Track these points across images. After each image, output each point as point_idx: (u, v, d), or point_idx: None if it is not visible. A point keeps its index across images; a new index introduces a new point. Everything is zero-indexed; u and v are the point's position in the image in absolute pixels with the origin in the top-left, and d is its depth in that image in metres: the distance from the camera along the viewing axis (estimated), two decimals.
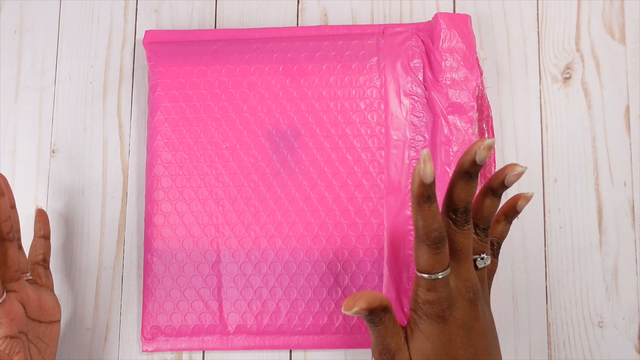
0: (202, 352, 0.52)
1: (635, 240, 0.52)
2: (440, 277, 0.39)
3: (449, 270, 0.39)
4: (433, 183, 0.37)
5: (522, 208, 0.42)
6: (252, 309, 0.51)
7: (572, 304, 0.51)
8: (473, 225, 0.41)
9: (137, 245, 0.54)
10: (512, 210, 0.43)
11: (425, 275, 0.39)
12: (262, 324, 0.51)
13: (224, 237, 0.51)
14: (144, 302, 0.52)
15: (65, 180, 0.55)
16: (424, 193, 0.37)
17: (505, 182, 0.39)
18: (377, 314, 0.39)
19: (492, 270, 0.43)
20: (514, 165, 0.39)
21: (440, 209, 0.40)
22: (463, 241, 0.39)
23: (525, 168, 0.39)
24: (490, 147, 0.36)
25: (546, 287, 0.51)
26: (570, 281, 0.51)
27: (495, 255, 0.43)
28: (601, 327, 0.51)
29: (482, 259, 0.41)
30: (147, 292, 0.51)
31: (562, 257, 0.52)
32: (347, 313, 0.38)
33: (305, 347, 0.51)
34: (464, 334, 0.39)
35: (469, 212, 0.39)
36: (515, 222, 0.52)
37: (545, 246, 0.52)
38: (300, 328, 0.51)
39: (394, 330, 0.40)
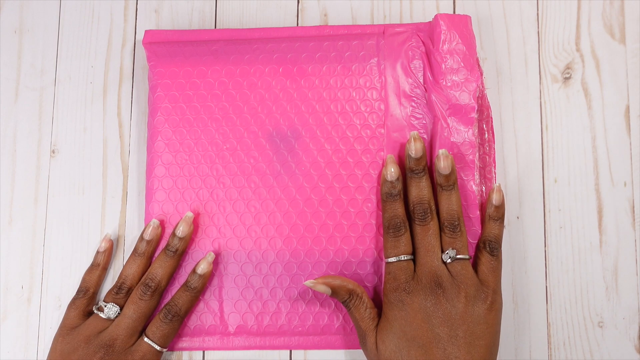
0: (202, 352, 0.52)
1: (635, 240, 0.52)
2: (397, 260, 0.46)
3: (409, 257, 0.46)
4: (397, 180, 0.48)
5: (498, 200, 0.48)
6: (252, 310, 0.51)
7: (572, 304, 0.51)
8: (440, 222, 0.47)
9: None
10: (491, 207, 0.48)
11: (387, 259, 0.47)
12: (263, 324, 0.51)
13: (225, 238, 0.51)
14: None
15: (65, 180, 0.55)
16: (389, 190, 0.48)
17: (494, 202, 0.48)
18: (340, 295, 0.47)
19: (492, 267, 0.46)
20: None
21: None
22: (422, 235, 0.46)
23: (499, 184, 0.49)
24: (416, 138, 0.48)
25: (546, 287, 0.52)
26: (570, 281, 0.51)
27: (492, 253, 0.47)
28: (601, 327, 0.51)
29: (447, 254, 0.46)
30: None
31: (562, 257, 0.52)
32: (306, 284, 0.47)
33: (305, 347, 0.51)
34: (422, 317, 0.44)
35: (425, 208, 0.47)
36: (515, 221, 0.52)
37: (545, 246, 0.52)
38: (300, 328, 0.51)
39: (365, 314, 0.47)
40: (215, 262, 0.51)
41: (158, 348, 0.48)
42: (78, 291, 0.51)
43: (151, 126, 0.53)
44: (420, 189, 0.47)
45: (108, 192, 0.55)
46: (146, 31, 0.54)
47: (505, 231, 0.52)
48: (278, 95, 0.53)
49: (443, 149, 0.47)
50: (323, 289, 0.47)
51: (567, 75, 0.54)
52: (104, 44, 0.57)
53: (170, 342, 0.49)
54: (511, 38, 0.55)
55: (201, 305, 0.51)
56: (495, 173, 0.51)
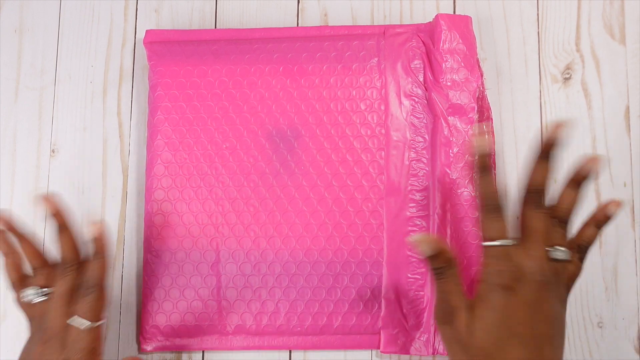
0: (201, 352, 0.52)
1: (635, 240, 0.52)
2: (503, 244, 0.41)
3: (510, 241, 0.41)
4: (490, 154, 0.42)
5: (613, 214, 0.43)
6: (251, 309, 0.51)
7: (572, 304, 0.51)
8: (553, 214, 0.43)
9: (137, 245, 0.54)
10: (602, 216, 0.44)
11: (491, 243, 0.42)
12: (261, 324, 0.51)
13: (223, 237, 0.51)
14: (143, 302, 0.52)
15: (65, 180, 0.55)
16: (482, 164, 0.42)
17: (591, 174, 0.43)
18: (437, 260, 0.42)
19: (573, 273, 0.43)
20: (594, 157, 0.42)
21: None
22: (533, 222, 0.42)
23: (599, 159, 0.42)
24: (563, 126, 0.41)
25: None
26: None
27: (580, 258, 0.43)
28: (601, 327, 0.51)
29: (556, 250, 0.41)
30: (146, 291, 0.52)
31: None
32: (410, 241, 0.43)
33: (304, 347, 0.51)
34: (527, 311, 0.40)
35: (541, 195, 0.42)
36: (515, 222, 0.52)
37: None
38: (299, 328, 0.50)
39: (456, 289, 0.42)
40: (214, 262, 0.51)
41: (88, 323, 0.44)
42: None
43: (151, 125, 0.53)
44: (543, 173, 0.42)
45: (108, 192, 0.55)
46: (147, 31, 0.54)
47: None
48: (278, 95, 0.53)
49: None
50: (427, 248, 0.42)
51: (567, 76, 0.54)
52: (104, 44, 0.57)
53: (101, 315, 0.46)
54: (511, 38, 0.55)
55: (199, 304, 0.51)
56: (495, 174, 0.51)
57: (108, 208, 0.54)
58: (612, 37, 0.54)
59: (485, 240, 0.42)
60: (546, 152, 0.42)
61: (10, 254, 0.47)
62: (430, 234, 0.44)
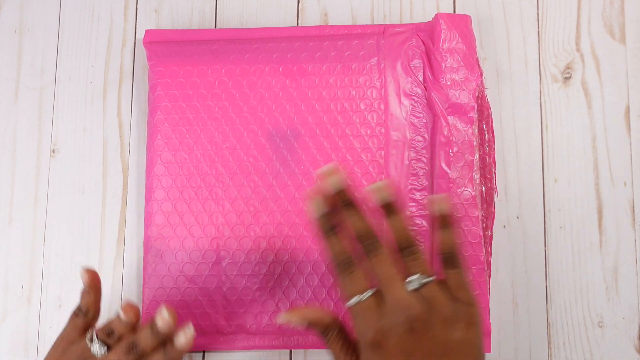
0: (202, 352, 0.52)
1: (635, 240, 0.52)
2: (360, 300, 0.39)
3: (365, 295, 0.39)
4: (326, 215, 0.41)
5: (440, 210, 0.42)
6: (251, 309, 0.51)
7: (572, 304, 0.51)
8: (395, 248, 0.41)
9: (137, 245, 0.54)
10: (439, 218, 0.42)
11: (347, 303, 0.40)
12: (262, 323, 0.51)
13: (224, 237, 0.51)
14: (143, 302, 0.52)
15: (65, 180, 0.55)
16: (322, 225, 0.41)
17: (436, 212, 0.41)
18: (317, 327, 0.41)
19: (457, 284, 0.40)
20: (379, 186, 0.41)
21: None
22: (378, 268, 0.40)
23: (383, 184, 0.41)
24: (331, 172, 0.41)
25: (546, 287, 0.51)
26: (570, 281, 0.51)
27: (453, 265, 0.41)
28: (601, 327, 0.51)
29: (414, 280, 0.39)
30: (147, 292, 0.51)
31: (562, 257, 0.52)
32: (280, 319, 0.41)
33: (304, 347, 0.51)
34: (403, 359, 0.38)
35: (368, 238, 0.40)
36: (515, 222, 0.52)
37: (545, 246, 0.52)
38: (299, 328, 0.51)
39: (341, 351, 0.41)
40: (215, 262, 0.51)
41: None
42: (78, 309, 0.46)
43: (151, 125, 0.53)
44: (359, 220, 0.41)
45: (108, 192, 0.55)
46: (147, 31, 0.54)
47: (505, 231, 0.52)
48: (278, 95, 0.53)
49: (378, 183, 0.42)
50: (298, 321, 0.42)
51: (567, 75, 0.54)
52: (104, 44, 0.57)
53: None
54: (511, 38, 0.55)
55: (200, 304, 0.51)
56: (495, 173, 0.51)
57: (108, 208, 0.54)
58: (612, 36, 0.54)
59: (345, 300, 0.41)
60: (346, 200, 0.41)
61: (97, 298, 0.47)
62: (301, 307, 0.43)
